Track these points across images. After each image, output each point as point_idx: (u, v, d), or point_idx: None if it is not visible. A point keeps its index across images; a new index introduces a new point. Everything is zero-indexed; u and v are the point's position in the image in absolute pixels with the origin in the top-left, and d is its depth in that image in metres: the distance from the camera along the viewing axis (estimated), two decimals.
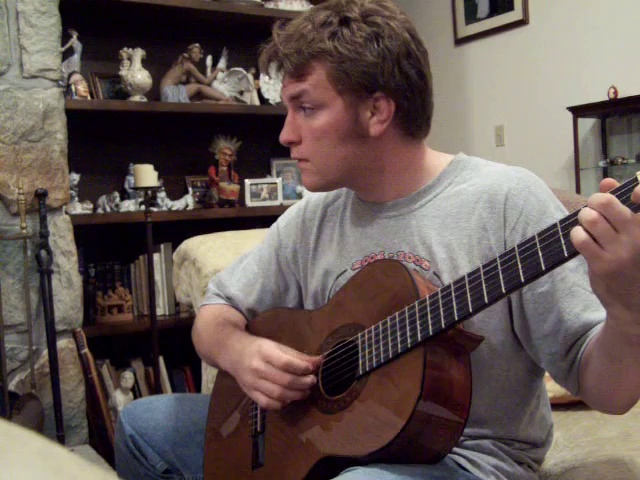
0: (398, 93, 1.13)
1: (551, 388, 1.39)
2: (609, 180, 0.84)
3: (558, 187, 2.66)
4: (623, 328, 0.89)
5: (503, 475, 1.12)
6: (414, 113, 1.16)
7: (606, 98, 3.58)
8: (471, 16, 4.37)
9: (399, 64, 1.12)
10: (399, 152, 1.19)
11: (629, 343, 0.91)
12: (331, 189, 1.27)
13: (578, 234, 0.81)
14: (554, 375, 1.11)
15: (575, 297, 1.06)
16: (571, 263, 1.07)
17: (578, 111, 3.68)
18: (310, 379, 1.12)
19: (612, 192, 0.82)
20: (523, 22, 4.09)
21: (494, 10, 4.24)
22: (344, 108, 1.14)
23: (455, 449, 1.11)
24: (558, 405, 1.57)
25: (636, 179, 0.81)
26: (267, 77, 3.40)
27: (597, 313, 1.04)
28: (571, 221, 0.85)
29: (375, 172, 1.19)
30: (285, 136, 1.20)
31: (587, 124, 3.79)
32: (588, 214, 0.81)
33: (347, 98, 1.13)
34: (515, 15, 4.12)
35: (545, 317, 1.08)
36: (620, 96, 3.54)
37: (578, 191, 3.66)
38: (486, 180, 1.16)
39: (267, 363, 1.14)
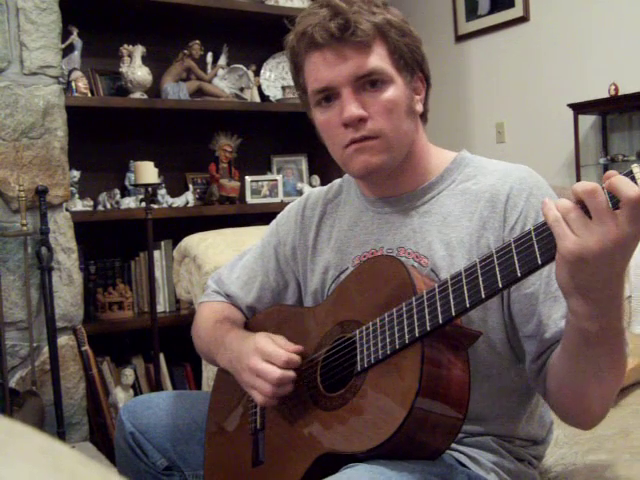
0: (429, 75, 1.20)
1: None
2: (612, 173, 0.84)
3: (559, 184, 2.66)
4: (580, 323, 0.89)
5: (503, 472, 1.12)
6: (429, 98, 1.22)
7: (607, 95, 3.58)
8: (472, 13, 4.36)
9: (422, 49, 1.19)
10: (422, 138, 1.22)
11: (586, 342, 0.91)
12: (382, 173, 1.17)
13: (552, 214, 0.83)
14: (528, 375, 1.11)
15: (557, 303, 1.06)
16: None
17: (579, 108, 3.67)
18: (292, 372, 1.13)
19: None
20: (524, 19, 4.08)
21: (495, 7, 4.24)
22: (404, 83, 1.15)
23: (455, 446, 1.11)
24: None
25: (631, 172, 0.81)
26: (268, 73, 3.40)
27: None
28: None
29: (404, 158, 1.19)
30: (356, 111, 1.11)
31: (588, 121, 3.79)
32: (564, 202, 0.83)
33: (404, 73, 1.15)
34: (516, 12, 4.11)
35: (528, 319, 1.08)
36: (621, 93, 3.54)
37: None
38: (489, 179, 1.16)
39: (265, 361, 1.14)
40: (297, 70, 1.20)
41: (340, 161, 1.19)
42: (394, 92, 1.13)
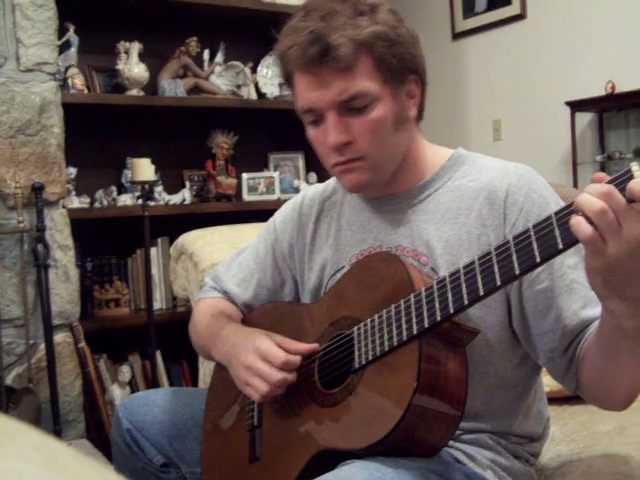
0: (424, 75, 1.17)
1: (548, 382, 1.39)
2: (600, 174, 0.83)
3: (555, 182, 2.66)
4: (619, 322, 0.89)
5: (500, 469, 1.13)
6: (425, 96, 1.20)
7: (604, 93, 3.58)
8: (469, 10, 4.37)
9: (420, 47, 1.16)
10: (416, 140, 1.21)
11: (625, 337, 0.91)
12: (373, 187, 1.19)
13: (584, 228, 0.80)
14: (552, 372, 1.11)
15: (574, 294, 1.06)
16: (570, 260, 1.07)
17: (576, 106, 3.68)
18: (293, 377, 1.13)
19: (607, 183, 0.82)
20: (521, 17, 4.09)
21: (492, 4, 4.24)
22: (391, 97, 1.12)
23: (452, 443, 1.11)
24: (555, 399, 1.57)
25: (630, 170, 0.80)
26: (265, 70, 3.40)
27: (596, 310, 1.03)
28: (565, 212, 0.85)
29: (400, 162, 1.18)
30: (337, 138, 1.11)
31: (585, 119, 3.79)
32: (596, 204, 0.79)
33: (391, 85, 1.12)
34: (513, 10, 4.12)
35: (544, 314, 1.07)
36: (618, 91, 3.54)
37: (575, 186, 3.67)
38: (486, 176, 1.15)
39: (263, 360, 1.14)
40: (287, 78, 1.19)
41: (332, 175, 1.22)
42: (379, 111, 1.11)
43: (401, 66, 1.12)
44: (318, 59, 1.07)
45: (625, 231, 0.79)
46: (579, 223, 0.81)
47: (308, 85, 1.11)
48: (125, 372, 2.76)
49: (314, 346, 1.16)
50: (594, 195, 0.80)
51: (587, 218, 0.80)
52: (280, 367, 1.12)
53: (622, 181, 0.80)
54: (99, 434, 2.64)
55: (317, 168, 3.41)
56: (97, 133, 3.04)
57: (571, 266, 1.07)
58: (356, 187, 1.17)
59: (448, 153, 1.23)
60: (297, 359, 1.14)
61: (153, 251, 2.98)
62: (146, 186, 2.73)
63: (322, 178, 2.48)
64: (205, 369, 2.09)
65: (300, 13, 1.13)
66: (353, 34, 1.07)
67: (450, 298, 0.97)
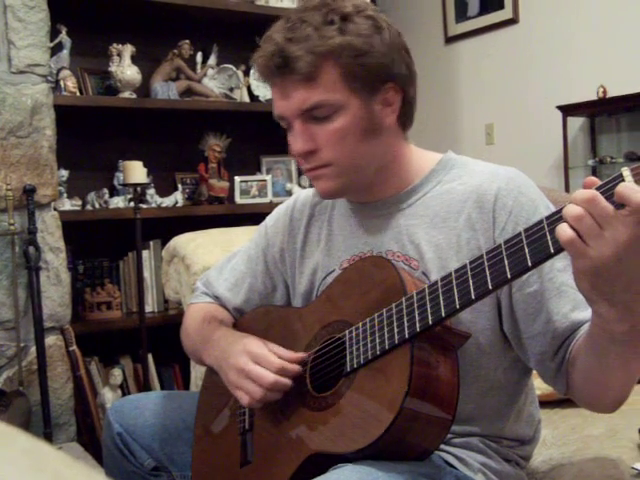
0: (405, 82, 1.16)
1: (539, 385, 1.39)
2: (592, 178, 0.84)
3: (547, 186, 2.67)
4: (608, 326, 0.89)
5: (491, 472, 1.13)
6: (412, 103, 1.19)
7: (595, 97, 3.60)
8: (461, 14, 4.38)
9: (400, 54, 1.15)
10: (399, 146, 1.20)
11: (613, 341, 0.91)
12: (347, 193, 1.21)
13: (564, 231, 0.81)
14: (542, 375, 1.11)
15: (563, 297, 1.06)
16: (559, 263, 1.07)
17: (567, 110, 3.69)
18: (289, 381, 1.12)
19: (597, 188, 0.82)
20: (513, 21, 4.10)
21: (484, 9, 4.26)
22: (360, 106, 1.12)
23: (443, 447, 1.11)
24: (546, 402, 1.58)
25: (621, 175, 0.81)
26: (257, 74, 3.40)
27: (585, 312, 1.04)
28: (557, 217, 0.85)
29: (380, 169, 1.18)
30: (302, 147, 1.13)
31: (576, 123, 3.81)
32: (573, 210, 0.81)
33: (360, 95, 1.12)
34: (505, 14, 4.13)
35: (534, 317, 1.08)
36: (609, 95, 3.56)
37: (567, 190, 3.68)
38: (475, 179, 1.15)
39: (255, 364, 1.14)
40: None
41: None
42: (344, 120, 1.11)
43: (372, 75, 1.11)
44: (279, 71, 1.11)
45: (609, 235, 0.80)
46: (560, 226, 0.82)
47: (276, 95, 1.15)
48: (116, 375, 2.75)
49: (302, 355, 1.16)
50: (576, 201, 0.81)
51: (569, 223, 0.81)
52: (275, 371, 1.12)
53: (612, 186, 0.81)
54: (90, 437, 2.63)
55: None
56: (89, 135, 3.04)
57: (560, 269, 1.07)
58: (325, 194, 1.19)
59: (437, 157, 1.23)
60: (295, 367, 1.13)
61: (145, 254, 2.97)
62: (138, 189, 2.72)
63: None
64: (197, 372, 2.09)
65: (277, 23, 1.15)
66: (315, 45, 1.08)
67: (442, 302, 0.97)
